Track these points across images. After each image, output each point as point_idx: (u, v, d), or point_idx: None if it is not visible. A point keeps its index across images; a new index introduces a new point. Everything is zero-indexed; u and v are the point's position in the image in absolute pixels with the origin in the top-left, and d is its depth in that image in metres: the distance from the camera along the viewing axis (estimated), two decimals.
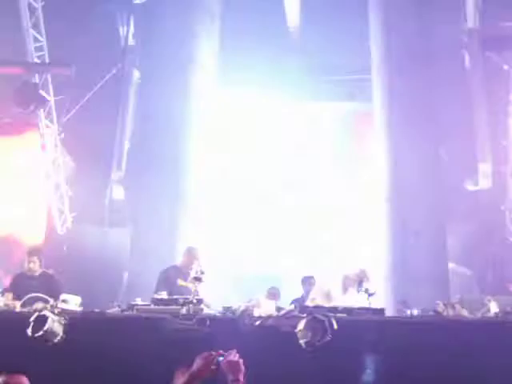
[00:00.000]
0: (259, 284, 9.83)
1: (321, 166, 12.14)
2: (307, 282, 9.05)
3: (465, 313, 6.58)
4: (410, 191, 10.53)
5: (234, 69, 11.17)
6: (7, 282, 7.71)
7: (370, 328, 6.06)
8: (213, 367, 3.15)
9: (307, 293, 8.59)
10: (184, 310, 6.18)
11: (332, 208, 11.92)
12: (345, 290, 7.47)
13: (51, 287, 7.09)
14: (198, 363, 3.16)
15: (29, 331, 5.77)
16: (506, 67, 9.89)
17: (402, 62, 10.56)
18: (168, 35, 10.50)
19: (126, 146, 11.06)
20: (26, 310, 6.50)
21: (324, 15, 11.39)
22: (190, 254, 7.60)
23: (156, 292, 7.09)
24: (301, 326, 5.81)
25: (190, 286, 7.42)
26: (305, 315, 5.91)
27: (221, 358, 3.19)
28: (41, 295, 6.72)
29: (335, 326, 5.82)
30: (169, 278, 7.51)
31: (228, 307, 6.34)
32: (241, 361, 3.20)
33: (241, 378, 3.17)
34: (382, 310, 6.51)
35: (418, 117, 10.48)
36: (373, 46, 11.38)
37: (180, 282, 7.47)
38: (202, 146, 10.86)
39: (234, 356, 3.22)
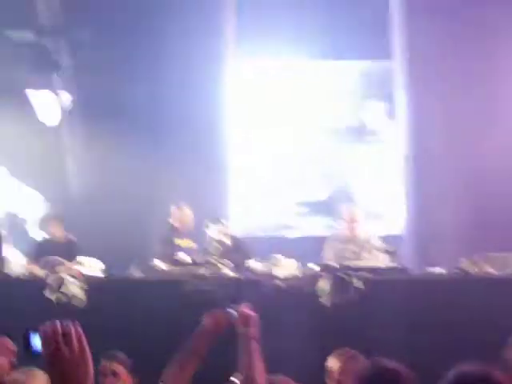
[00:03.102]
0: None
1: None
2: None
3: (490, 270, 6.43)
4: (433, 152, 10.32)
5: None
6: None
7: (394, 287, 5.95)
8: (223, 324, 2.96)
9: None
10: (204, 272, 6.11)
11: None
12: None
13: (73, 253, 7.03)
14: (207, 322, 2.98)
15: (48, 294, 5.74)
16: None
17: (424, 14, 10.24)
18: None
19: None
20: (46, 274, 6.45)
21: None
22: (182, 212, 7.48)
23: (161, 254, 7.00)
24: (324, 285, 5.71)
25: (188, 245, 7.35)
26: (328, 275, 5.82)
27: (233, 313, 2.97)
28: (60, 259, 6.65)
29: (359, 286, 5.72)
30: (167, 238, 7.40)
31: (248, 267, 6.25)
32: (254, 314, 2.97)
33: (254, 332, 2.94)
34: (406, 269, 6.40)
35: (441, 72, 10.19)
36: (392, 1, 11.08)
37: (177, 241, 7.35)
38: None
39: (246, 309, 2.99)
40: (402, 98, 11.00)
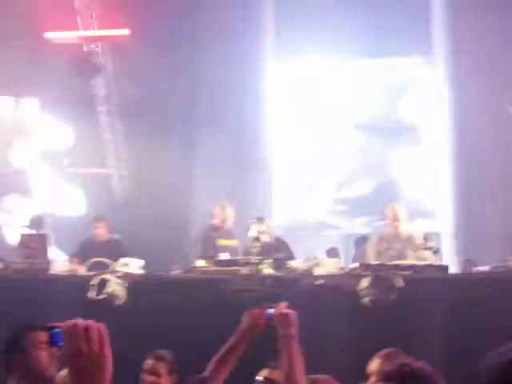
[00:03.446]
0: None
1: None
2: (360, 243, 8.52)
3: None
4: (478, 149, 10.14)
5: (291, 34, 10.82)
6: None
7: (437, 285, 5.87)
8: (261, 322, 2.96)
9: (360, 255, 8.18)
10: (245, 271, 6.11)
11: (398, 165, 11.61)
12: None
13: (117, 252, 7.11)
14: (246, 320, 3.00)
15: (90, 294, 5.81)
16: None
17: (466, 8, 10.05)
18: None
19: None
20: (89, 274, 6.54)
21: None
22: (225, 211, 7.48)
23: (202, 253, 7.01)
24: (364, 284, 5.66)
25: (229, 244, 7.35)
26: (368, 273, 5.76)
27: (271, 312, 2.97)
28: (104, 259, 6.73)
29: (401, 284, 5.66)
30: (209, 237, 7.41)
31: (288, 266, 6.24)
32: (292, 313, 2.95)
33: (292, 331, 2.91)
34: (446, 267, 6.31)
35: (486, 68, 9.96)
36: None
37: (220, 241, 7.36)
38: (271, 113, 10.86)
39: (284, 308, 2.98)
40: (445, 94, 10.85)
